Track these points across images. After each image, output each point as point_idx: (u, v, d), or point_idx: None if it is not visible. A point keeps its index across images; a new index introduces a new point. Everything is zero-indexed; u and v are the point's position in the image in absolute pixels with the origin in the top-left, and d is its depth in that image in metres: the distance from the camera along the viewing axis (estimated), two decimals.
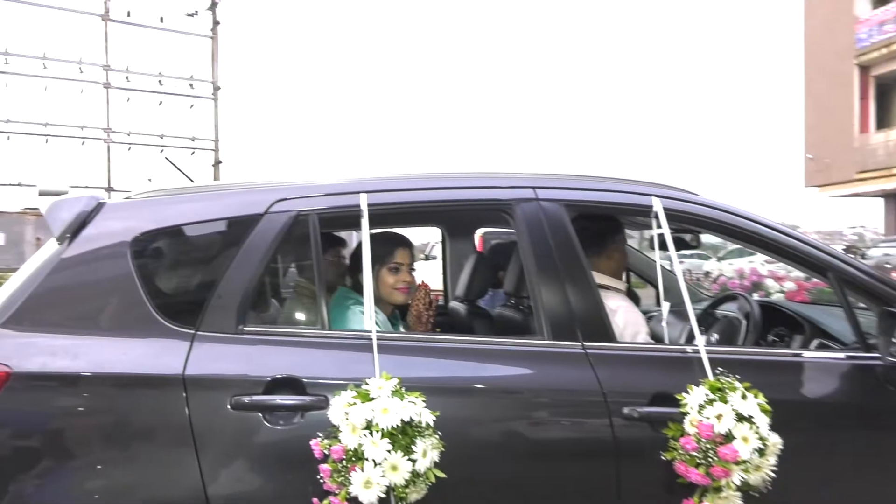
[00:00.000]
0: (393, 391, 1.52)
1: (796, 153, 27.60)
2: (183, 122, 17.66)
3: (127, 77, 16.70)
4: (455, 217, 3.10)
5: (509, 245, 3.10)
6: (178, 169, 2.10)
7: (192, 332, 1.66)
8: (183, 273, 1.93)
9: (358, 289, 2.22)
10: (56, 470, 1.59)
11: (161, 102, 17.17)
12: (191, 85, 17.60)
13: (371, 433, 1.46)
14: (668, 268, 2.19)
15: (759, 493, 1.63)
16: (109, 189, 15.52)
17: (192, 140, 17.91)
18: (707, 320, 2.52)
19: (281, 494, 1.63)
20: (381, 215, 1.88)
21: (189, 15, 17.56)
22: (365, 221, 1.78)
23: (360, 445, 1.46)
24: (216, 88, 18.65)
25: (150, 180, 2.84)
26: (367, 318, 1.79)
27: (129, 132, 16.73)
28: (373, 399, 1.50)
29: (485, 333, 2.50)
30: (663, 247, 2.00)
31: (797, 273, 2.35)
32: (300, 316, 2.30)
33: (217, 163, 18.99)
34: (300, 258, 2.25)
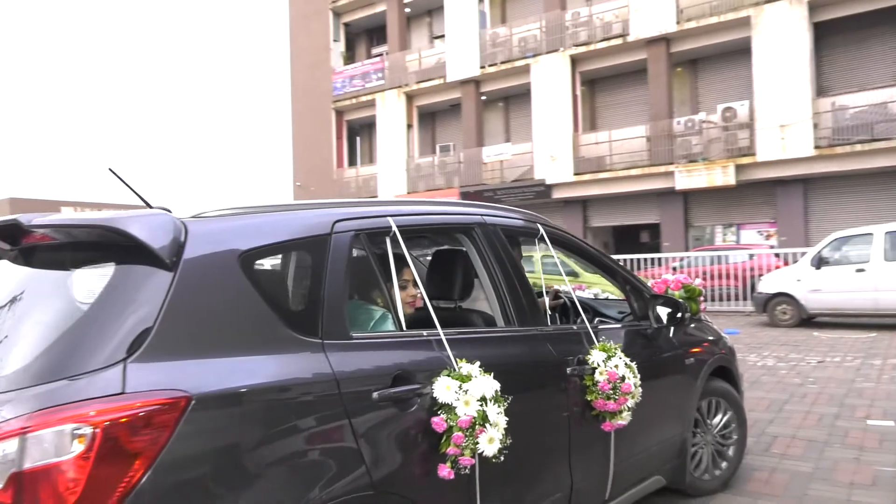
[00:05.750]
0: (481, 372, 1.99)
1: (287, 179, 30.56)
2: None
3: None
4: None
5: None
6: (127, 185, 1.87)
7: (320, 341, 1.79)
8: (287, 288, 1.91)
9: (369, 301, 2.41)
10: (250, 478, 1.58)
11: None
12: None
13: (486, 403, 1.91)
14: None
15: (632, 411, 2.63)
16: None
17: None
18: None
19: (414, 467, 1.91)
20: (409, 233, 2.24)
21: None
22: (400, 240, 2.16)
23: (483, 412, 1.89)
24: None
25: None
26: (395, 320, 2.13)
27: None
28: (472, 378, 1.94)
29: None
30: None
31: None
32: (373, 322, 2.33)
33: None
34: (359, 271, 2.31)
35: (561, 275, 3.13)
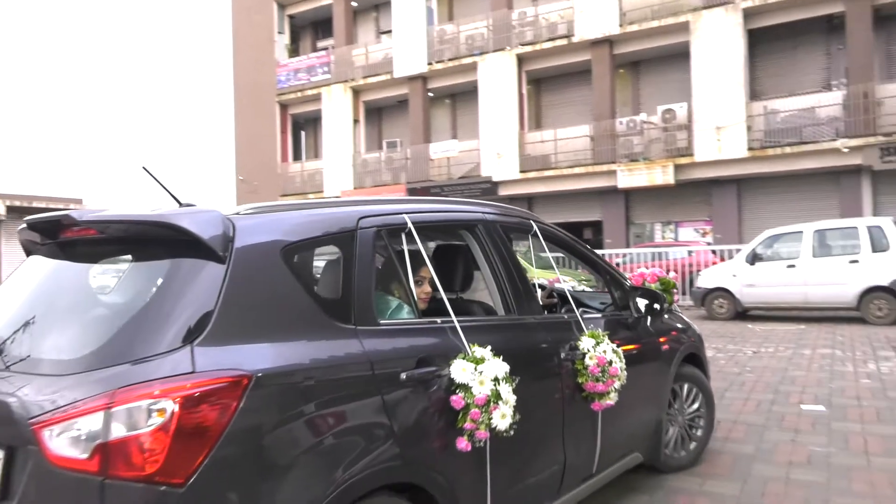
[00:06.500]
0: (492, 355, 2.19)
1: (229, 174, 29.94)
2: None
3: None
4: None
5: None
6: (160, 183, 1.97)
7: (354, 327, 1.94)
8: (322, 279, 2.03)
9: (386, 292, 2.54)
10: (299, 448, 1.74)
11: None
12: None
13: (499, 382, 2.11)
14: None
15: (619, 393, 2.87)
16: None
17: None
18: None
19: (435, 440, 2.09)
20: (420, 229, 2.39)
21: None
22: (416, 236, 2.33)
23: (496, 391, 2.09)
24: None
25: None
26: (408, 308, 2.30)
27: None
28: (485, 361, 2.14)
29: None
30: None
31: None
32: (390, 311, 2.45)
33: None
34: (380, 264, 2.46)
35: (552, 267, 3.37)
